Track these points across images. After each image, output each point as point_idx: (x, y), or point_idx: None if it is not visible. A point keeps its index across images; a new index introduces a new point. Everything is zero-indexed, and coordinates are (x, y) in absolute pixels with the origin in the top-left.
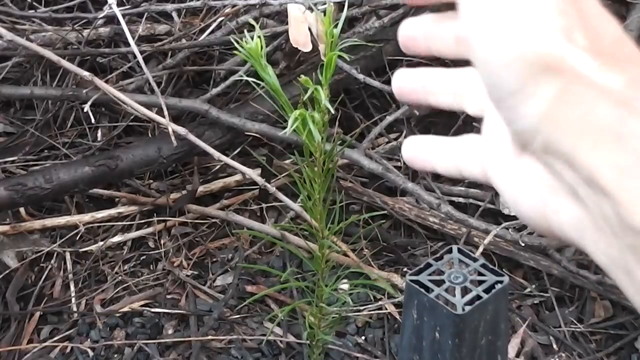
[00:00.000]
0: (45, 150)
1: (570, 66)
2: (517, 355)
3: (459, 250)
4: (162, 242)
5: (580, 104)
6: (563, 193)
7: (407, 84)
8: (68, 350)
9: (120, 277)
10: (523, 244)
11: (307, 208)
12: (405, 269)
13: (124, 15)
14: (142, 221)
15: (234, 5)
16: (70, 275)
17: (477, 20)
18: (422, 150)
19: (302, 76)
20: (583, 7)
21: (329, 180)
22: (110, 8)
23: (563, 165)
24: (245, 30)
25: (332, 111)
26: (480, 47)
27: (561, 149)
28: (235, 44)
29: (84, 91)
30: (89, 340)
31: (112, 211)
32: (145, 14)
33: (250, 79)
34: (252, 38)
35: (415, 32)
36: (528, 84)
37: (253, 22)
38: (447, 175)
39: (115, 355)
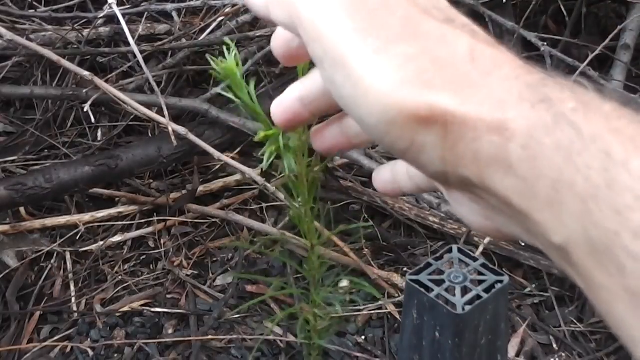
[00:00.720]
0: (45, 150)
1: (440, 110)
2: (517, 355)
3: (459, 250)
4: (162, 241)
5: (464, 140)
6: (500, 212)
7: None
8: (68, 350)
9: (120, 277)
10: (523, 244)
11: (295, 219)
12: (405, 269)
13: (124, 15)
14: (142, 221)
15: (234, 5)
16: (70, 275)
17: (345, 100)
18: (387, 178)
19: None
20: (420, 32)
21: (314, 192)
22: (110, 8)
23: (483, 193)
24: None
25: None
26: (357, 119)
27: (473, 181)
28: (212, 63)
29: (84, 91)
30: (89, 340)
31: (112, 211)
32: (145, 13)
33: (228, 94)
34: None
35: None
36: (414, 140)
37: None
38: (414, 194)
39: (115, 355)
